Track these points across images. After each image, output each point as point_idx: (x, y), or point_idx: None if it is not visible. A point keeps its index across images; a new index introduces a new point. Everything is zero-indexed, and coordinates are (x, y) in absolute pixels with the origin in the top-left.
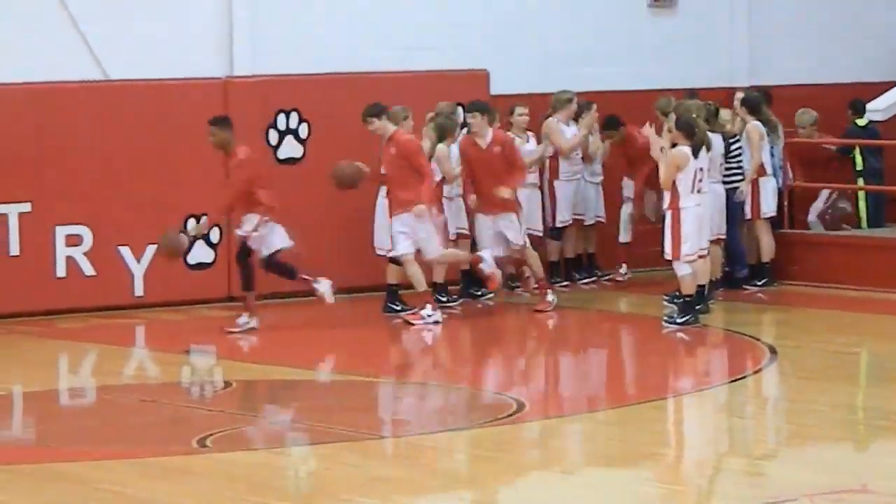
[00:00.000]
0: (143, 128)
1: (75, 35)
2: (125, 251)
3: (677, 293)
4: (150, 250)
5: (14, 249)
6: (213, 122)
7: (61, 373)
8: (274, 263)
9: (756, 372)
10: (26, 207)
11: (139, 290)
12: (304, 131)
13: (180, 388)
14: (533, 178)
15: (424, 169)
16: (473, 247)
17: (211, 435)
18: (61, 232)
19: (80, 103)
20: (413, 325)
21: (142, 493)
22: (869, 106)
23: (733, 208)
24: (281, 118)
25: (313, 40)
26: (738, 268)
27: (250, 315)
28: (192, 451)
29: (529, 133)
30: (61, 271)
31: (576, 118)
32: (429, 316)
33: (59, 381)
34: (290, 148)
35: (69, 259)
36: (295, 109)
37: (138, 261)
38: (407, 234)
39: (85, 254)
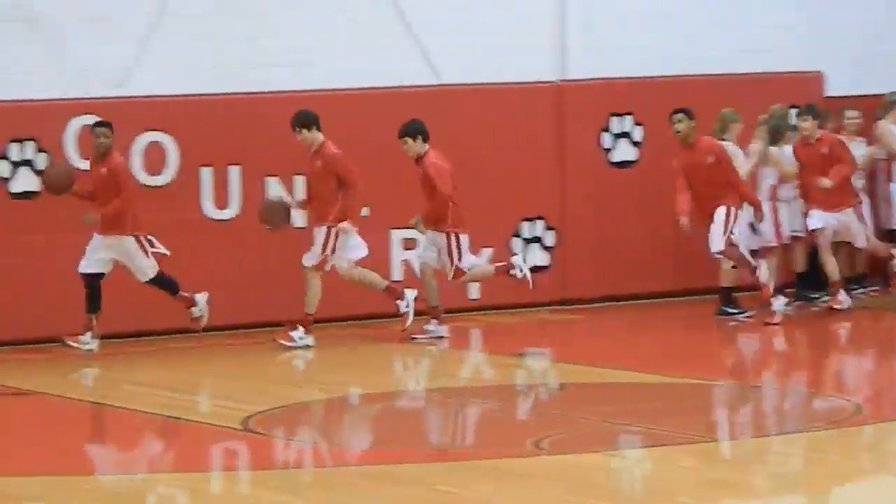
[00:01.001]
0: (477, 132)
1: (410, 41)
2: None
3: None
4: (485, 254)
5: None
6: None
7: (397, 375)
8: None
9: None
10: (364, 211)
11: (474, 292)
12: (638, 134)
13: (515, 390)
14: (861, 182)
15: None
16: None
17: (546, 437)
18: (397, 235)
19: (414, 108)
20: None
21: (478, 495)
22: None
23: None
24: (615, 121)
25: (645, 43)
26: None
27: None
28: (528, 453)
29: (859, 137)
30: (398, 275)
31: None
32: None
33: (396, 384)
34: (624, 151)
35: (405, 262)
36: (629, 112)
37: None
38: None
39: (419, 257)
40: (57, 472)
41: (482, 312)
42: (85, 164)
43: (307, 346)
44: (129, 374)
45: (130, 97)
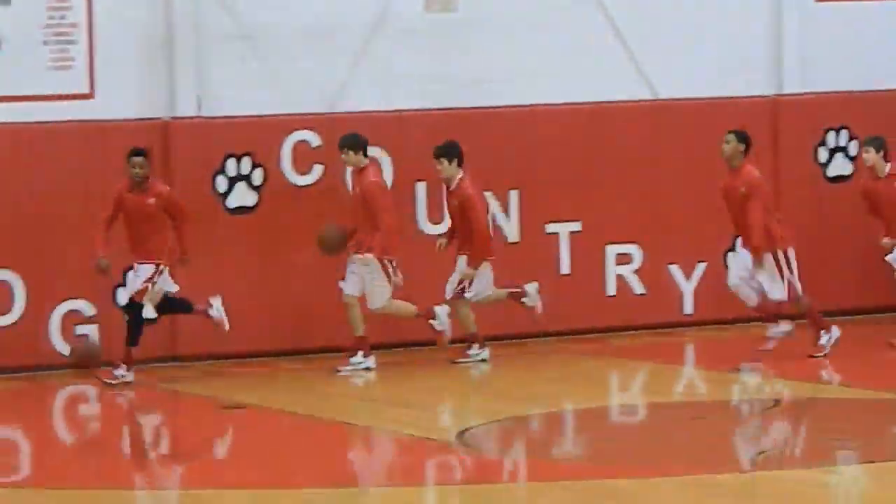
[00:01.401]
0: (691, 146)
1: (626, 57)
2: (674, 269)
3: None
4: (700, 268)
5: (565, 268)
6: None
7: (612, 390)
8: None
9: None
10: (577, 227)
11: (688, 307)
12: (853, 149)
13: (730, 405)
14: None
15: None
16: None
17: (761, 453)
18: (612, 251)
19: (629, 123)
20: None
21: None
22: None
23: None
24: (830, 136)
25: (860, 57)
26: None
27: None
28: (743, 469)
29: None
30: (612, 289)
31: None
32: (359, 363)
33: (611, 398)
34: (840, 166)
35: (619, 277)
36: (844, 127)
37: (688, 279)
38: None
39: (635, 272)
40: (273, 486)
41: (696, 327)
42: (301, 180)
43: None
44: (341, 387)
45: (345, 113)
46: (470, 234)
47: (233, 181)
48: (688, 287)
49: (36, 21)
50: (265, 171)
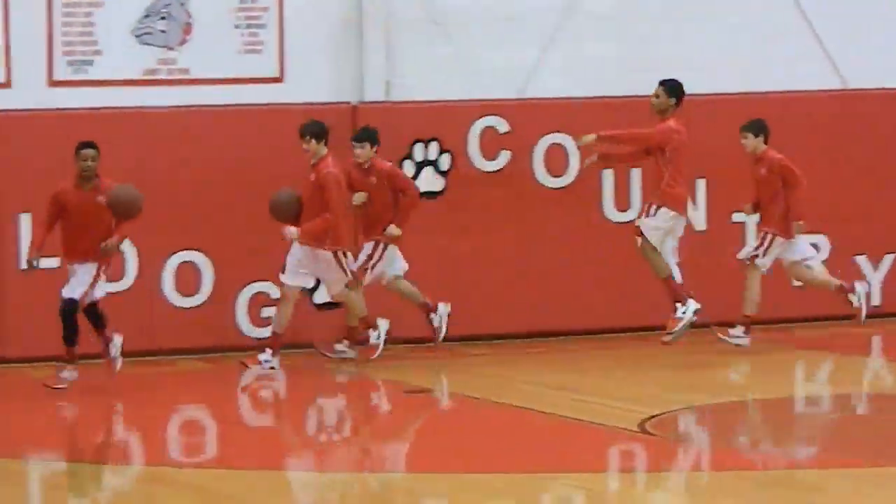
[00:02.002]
0: (883, 136)
1: (815, 45)
2: (862, 260)
3: None
4: (888, 259)
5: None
6: None
7: (797, 380)
8: None
9: None
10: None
11: (876, 298)
12: None
13: None
14: None
15: None
16: None
17: None
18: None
19: (816, 111)
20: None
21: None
22: None
23: None
24: None
25: None
26: None
27: None
28: None
29: None
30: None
31: None
32: (266, 361)
33: (795, 389)
34: None
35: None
36: None
37: (875, 269)
38: None
39: (822, 262)
40: (455, 470)
41: (884, 319)
42: (488, 166)
43: None
44: (524, 373)
45: (533, 99)
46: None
47: (420, 166)
48: (875, 278)
49: (227, 5)
50: (452, 156)
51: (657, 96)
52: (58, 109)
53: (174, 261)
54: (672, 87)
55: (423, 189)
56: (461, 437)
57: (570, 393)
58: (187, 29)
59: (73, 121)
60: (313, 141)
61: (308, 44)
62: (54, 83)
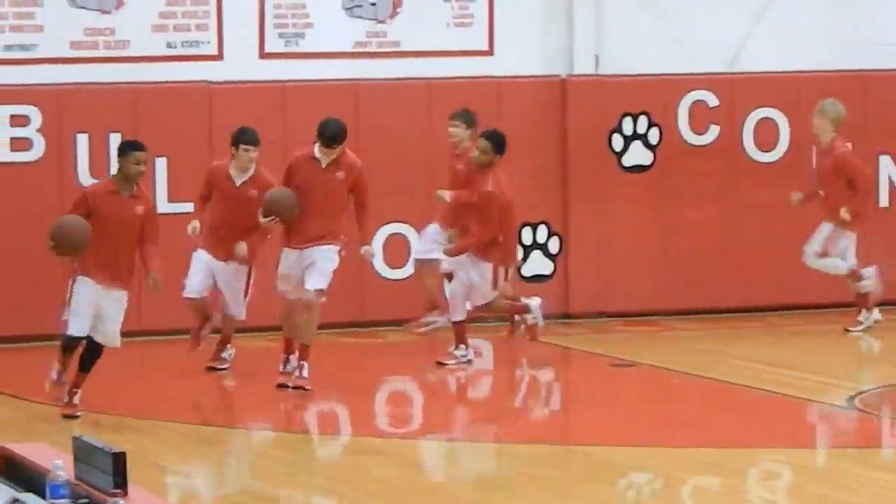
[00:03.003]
0: None
1: None
2: None
3: None
4: None
5: None
6: None
7: None
8: None
9: None
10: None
11: None
12: None
13: None
14: None
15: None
16: None
17: None
18: None
19: None
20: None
21: None
22: None
23: None
24: None
25: None
26: None
27: None
28: None
29: None
30: None
31: None
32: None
33: None
34: None
35: None
36: None
37: None
38: None
39: None
40: (662, 444)
41: None
42: (698, 140)
43: None
44: (733, 348)
45: (743, 73)
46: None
47: (629, 140)
48: None
49: None
50: (661, 130)
51: (484, 152)
52: (268, 82)
53: (382, 233)
54: (498, 142)
55: (632, 163)
56: (667, 411)
57: (779, 368)
58: (398, 2)
59: (284, 93)
60: (338, 147)
61: (517, 17)
62: (266, 55)
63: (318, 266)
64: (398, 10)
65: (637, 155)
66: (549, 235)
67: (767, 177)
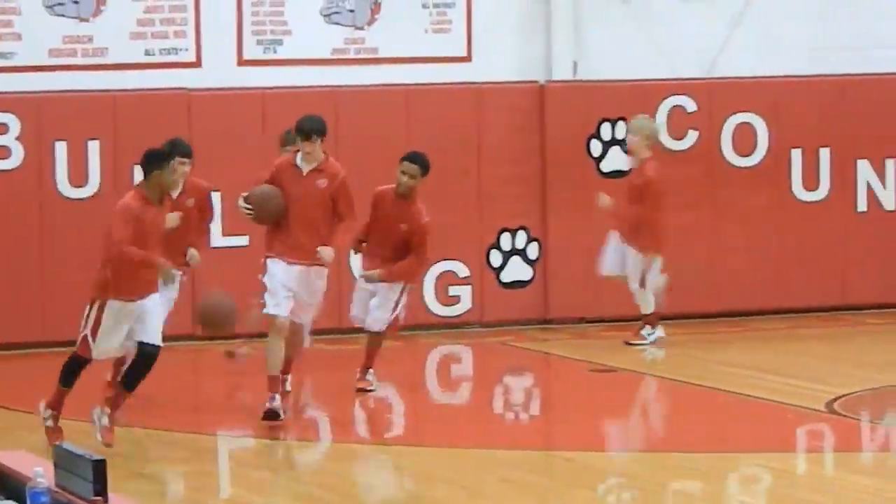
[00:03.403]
0: None
1: None
2: None
3: None
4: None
5: None
6: None
7: None
8: None
9: None
10: None
11: None
12: None
13: None
14: None
15: None
16: None
17: None
18: None
19: None
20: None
21: None
22: None
23: None
24: None
25: None
26: None
27: None
28: None
29: None
30: None
31: None
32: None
33: None
34: None
35: None
36: None
37: None
38: None
39: None
40: (642, 449)
41: None
42: (676, 145)
43: None
44: (713, 353)
45: (722, 78)
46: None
47: (607, 145)
48: None
49: None
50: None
51: (413, 177)
52: (247, 89)
53: None
54: (425, 166)
55: (610, 168)
56: (646, 415)
57: (759, 373)
58: (376, 8)
59: (263, 100)
60: (319, 140)
61: (496, 23)
62: (244, 62)
63: (319, 297)
64: (376, 16)
65: (616, 160)
66: (528, 241)
67: (746, 182)
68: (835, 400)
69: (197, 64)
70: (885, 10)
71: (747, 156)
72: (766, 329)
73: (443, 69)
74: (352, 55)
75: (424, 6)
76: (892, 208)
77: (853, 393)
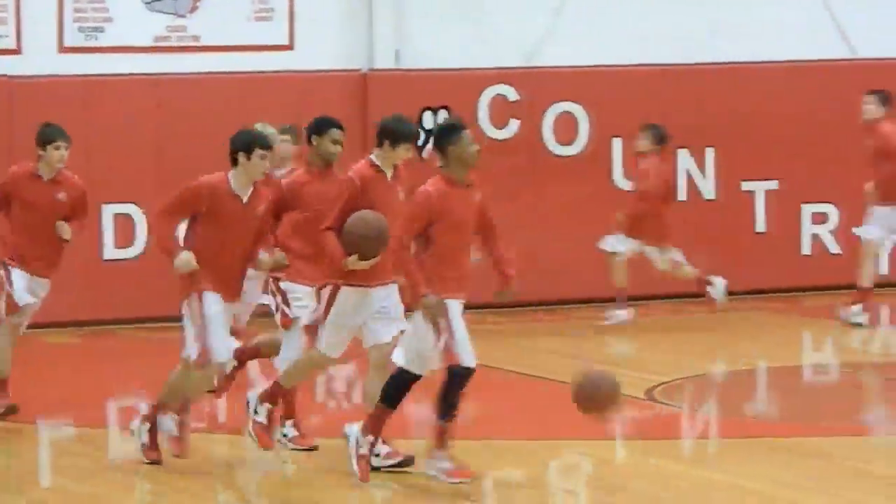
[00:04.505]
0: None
1: (826, 15)
2: None
3: None
4: None
5: (760, 226)
6: None
7: (805, 349)
8: None
9: None
10: (773, 185)
11: (884, 268)
12: None
13: None
14: None
15: None
16: None
17: None
18: (808, 210)
19: (827, 82)
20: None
21: (889, 470)
22: None
23: None
24: None
25: None
26: None
27: None
28: None
29: None
30: (807, 249)
31: None
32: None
33: (803, 357)
34: None
35: (815, 237)
36: None
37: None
38: None
39: (831, 232)
40: (464, 437)
41: (891, 288)
42: (498, 135)
43: None
44: (536, 341)
45: (543, 67)
46: None
47: (429, 134)
48: (885, 249)
49: None
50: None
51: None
52: (69, 76)
53: None
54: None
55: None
56: (469, 404)
57: (580, 361)
58: None
59: (85, 88)
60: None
61: (318, 11)
62: (65, 49)
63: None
64: (198, 4)
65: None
66: None
67: (568, 171)
68: (654, 387)
69: (17, 51)
70: (692, 2)
71: (569, 145)
72: (588, 318)
73: (265, 57)
74: (174, 42)
75: None
76: (712, 197)
77: (672, 381)
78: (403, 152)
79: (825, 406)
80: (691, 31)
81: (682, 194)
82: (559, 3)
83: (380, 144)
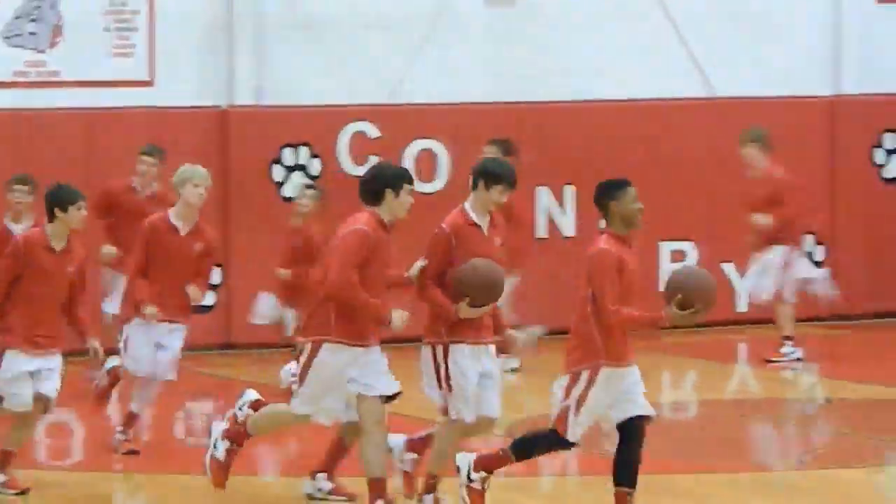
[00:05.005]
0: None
1: (683, 53)
2: (728, 267)
3: None
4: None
5: None
6: None
7: (664, 387)
8: None
9: None
10: None
11: (742, 305)
12: None
13: (783, 403)
14: None
15: None
16: None
17: (811, 451)
18: (666, 247)
19: (685, 120)
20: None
21: None
22: None
23: None
24: (888, 137)
25: None
26: None
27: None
28: (793, 467)
29: None
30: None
31: None
32: None
33: (662, 395)
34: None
35: None
36: None
37: (742, 276)
38: None
39: None
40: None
41: (750, 325)
42: (359, 171)
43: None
44: None
45: (404, 104)
46: None
47: (290, 170)
48: (742, 285)
49: (98, 8)
50: (322, 161)
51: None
52: None
53: None
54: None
55: (292, 194)
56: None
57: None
58: (57, 31)
59: None
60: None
61: (178, 47)
62: None
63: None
64: (58, 39)
65: (298, 186)
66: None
67: (429, 207)
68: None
69: None
70: (561, 40)
71: (429, 182)
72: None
73: (125, 93)
74: (33, 78)
75: (107, 29)
76: (571, 234)
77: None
78: (497, 195)
79: (685, 443)
80: (547, 70)
81: (542, 232)
82: (420, 42)
83: (475, 186)
